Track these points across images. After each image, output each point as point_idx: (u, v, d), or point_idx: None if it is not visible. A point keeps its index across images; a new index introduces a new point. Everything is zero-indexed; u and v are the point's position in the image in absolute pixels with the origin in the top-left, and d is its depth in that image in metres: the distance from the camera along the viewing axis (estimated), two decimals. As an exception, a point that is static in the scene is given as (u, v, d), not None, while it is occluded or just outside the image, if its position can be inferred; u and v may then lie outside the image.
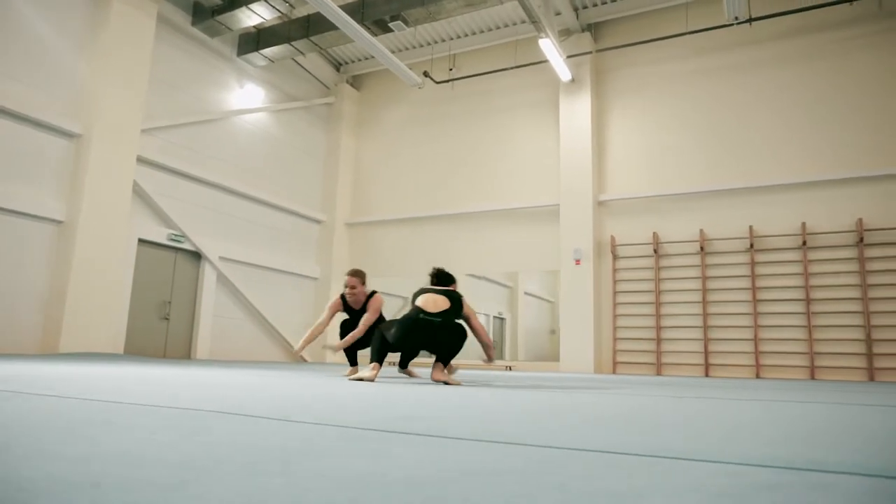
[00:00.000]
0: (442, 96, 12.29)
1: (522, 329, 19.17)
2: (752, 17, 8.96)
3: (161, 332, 9.32)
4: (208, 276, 9.97)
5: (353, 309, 5.05)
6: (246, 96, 11.06)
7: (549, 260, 10.82)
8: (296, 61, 12.03)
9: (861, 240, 8.68)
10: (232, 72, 10.81)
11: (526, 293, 21.60)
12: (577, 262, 10.27)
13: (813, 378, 8.69)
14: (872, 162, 8.87)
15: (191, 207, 9.80)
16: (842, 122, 9.13)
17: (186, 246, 9.63)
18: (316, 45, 10.50)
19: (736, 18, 8.83)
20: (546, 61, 10.62)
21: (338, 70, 13.16)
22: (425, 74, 11.32)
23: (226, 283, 10.32)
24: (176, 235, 9.43)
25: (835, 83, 9.25)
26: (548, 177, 11.05)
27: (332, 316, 4.96)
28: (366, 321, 4.77)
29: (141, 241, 8.96)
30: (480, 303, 17.48)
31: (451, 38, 11.92)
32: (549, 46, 9.48)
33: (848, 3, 8.86)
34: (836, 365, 8.68)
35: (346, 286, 4.94)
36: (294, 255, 11.87)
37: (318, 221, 12.46)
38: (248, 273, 10.78)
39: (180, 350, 9.60)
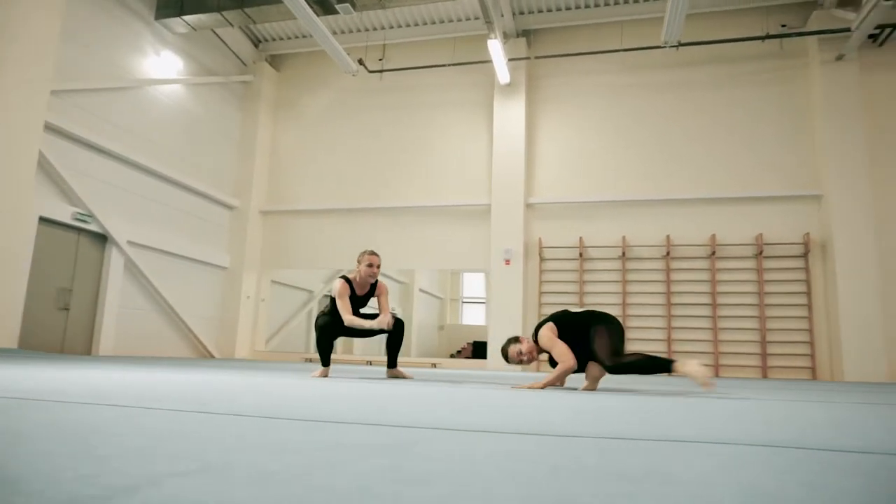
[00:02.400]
0: (369, 86, 11.95)
1: (416, 325, 19.24)
2: (682, 42, 9.67)
3: (59, 323, 8.17)
4: (115, 261, 8.90)
5: (356, 295, 4.52)
6: (162, 65, 10.00)
7: (479, 259, 10.94)
8: (215, 33, 11.10)
9: (760, 252, 9.73)
10: (148, 36, 9.72)
11: (420, 290, 21.72)
12: (507, 262, 10.49)
13: (717, 375, 9.59)
14: (772, 184, 9.97)
15: (98, 184, 8.68)
16: (747, 147, 10.15)
17: (92, 227, 8.52)
18: (249, 17, 9.77)
19: (666, 42, 9.50)
20: (485, 62, 10.73)
21: (256, 47, 12.32)
22: (360, 62, 10.94)
23: (133, 269, 9.27)
24: (82, 215, 8.30)
25: (743, 110, 10.26)
26: (478, 176, 11.16)
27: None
28: (385, 313, 4.33)
29: (42, 219, 7.78)
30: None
31: (385, 28, 11.64)
32: (496, 48, 9.58)
33: (760, 41, 9.89)
34: (736, 363, 9.65)
35: (370, 265, 4.42)
36: (204, 242, 10.95)
37: (230, 207, 11.60)
38: (157, 260, 9.78)
39: (80, 344, 8.47)
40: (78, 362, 5.37)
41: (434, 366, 10.94)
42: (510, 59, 10.56)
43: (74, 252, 8.39)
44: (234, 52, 11.71)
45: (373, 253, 4.50)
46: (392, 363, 4.60)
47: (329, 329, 4.36)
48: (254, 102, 12.07)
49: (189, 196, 10.53)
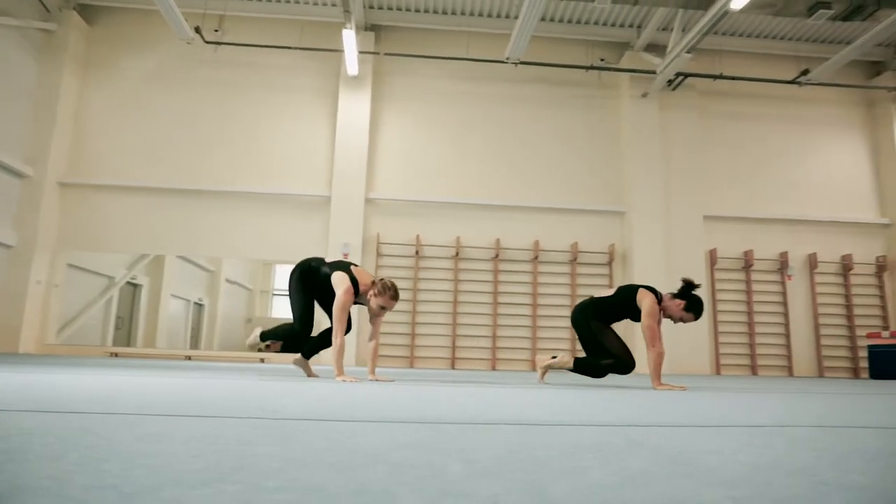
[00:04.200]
0: (201, 58, 11.01)
1: (220, 316, 18.14)
2: (521, 60, 10.42)
3: None
4: None
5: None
6: (-61, -6, 8.20)
7: (314, 251, 10.63)
8: (12, -33, 9.38)
9: (574, 259, 10.85)
10: (-77, -44, 7.90)
11: (227, 280, 20.44)
12: (346, 256, 10.38)
13: (534, 369, 10.49)
14: (586, 199, 11.17)
15: None
16: (568, 163, 11.25)
17: None
18: (65, -43, 8.41)
19: (508, 58, 10.19)
20: (333, 50, 10.52)
21: (63, -8, 10.65)
22: (196, 30, 10.03)
23: None
24: None
25: (567, 130, 11.36)
26: (319, 167, 10.89)
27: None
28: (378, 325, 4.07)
29: None
30: (180, 287, 15.88)
31: (225, -2, 10.82)
32: (350, 38, 9.44)
33: (584, 70, 11.04)
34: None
35: (383, 308, 3.96)
36: (-17, 214, 9.19)
37: (21, 175, 9.87)
38: (-81, 231, 7.99)
39: None
40: None
41: (262, 361, 10.39)
42: (360, 52, 10.47)
43: None
44: (34, -6, 10.00)
45: (395, 296, 3.96)
46: (309, 355, 4.42)
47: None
48: (57, 56, 10.41)
49: (-33, 157, 8.77)
